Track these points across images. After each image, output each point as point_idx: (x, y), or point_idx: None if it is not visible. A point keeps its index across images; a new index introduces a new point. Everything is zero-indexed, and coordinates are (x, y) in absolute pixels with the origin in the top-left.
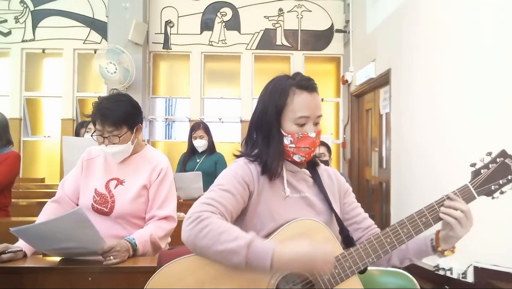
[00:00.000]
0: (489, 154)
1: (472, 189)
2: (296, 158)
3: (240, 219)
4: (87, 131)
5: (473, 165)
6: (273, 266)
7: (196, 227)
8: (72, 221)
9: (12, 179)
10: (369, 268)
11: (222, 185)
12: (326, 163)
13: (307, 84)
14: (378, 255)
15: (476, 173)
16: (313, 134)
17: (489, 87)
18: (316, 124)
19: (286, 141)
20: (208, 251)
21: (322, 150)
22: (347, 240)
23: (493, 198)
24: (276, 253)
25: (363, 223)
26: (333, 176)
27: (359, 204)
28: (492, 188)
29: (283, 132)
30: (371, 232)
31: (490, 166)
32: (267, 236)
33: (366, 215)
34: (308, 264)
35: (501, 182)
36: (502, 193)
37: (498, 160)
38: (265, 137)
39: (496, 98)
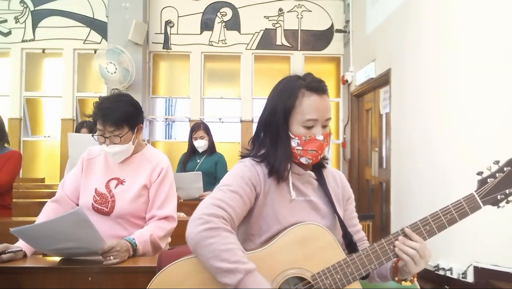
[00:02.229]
0: (497, 162)
1: (478, 198)
2: (303, 160)
3: (246, 220)
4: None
5: (479, 173)
6: None
7: (203, 233)
8: (72, 221)
9: (15, 178)
10: None
11: (230, 186)
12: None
13: (317, 86)
14: (380, 262)
15: (482, 182)
16: (320, 138)
17: (489, 86)
18: (324, 126)
19: (293, 143)
20: (204, 260)
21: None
22: (350, 245)
23: (498, 207)
24: None
25: (356, 235)
26: (338, 179)
27: (356, 215)
28: (498, 197)
29: (290, 134)
30: (360, 244)
31: (497, 175)
32: (271, 238)
33: (360, 227)
34: None
35: (507, 191)
36: (508, 202)
37: (505, 169)
38: (273, 139)
39: (497, 98)
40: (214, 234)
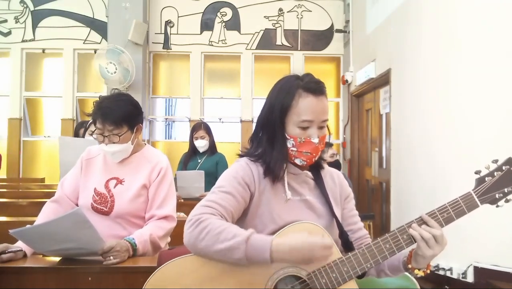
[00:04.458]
0: (495, 161)
1: (475, 197)
2: (298, 161)
3: (241, 220)
4: (89, 134)
5: (478, 172)
6: (273, 258)
7: (196, 229)
8: (71, 221)
9: None
10: None
11: (222, 187)
12: (339, 163)
13: (314, 87)
14: (376, 261)
15: (480, 181)
16: (316, 140)
17: (489, 86)
18: (321, 128)
19: (289, 144)
20: (208, 251)
21: (332, 150)
22: (346, 244)
23: (497, 206)
24: (274, 245)
25: (357, 233)
26: (336, 179)
27: (357, 212)
28: (497, 196)
29: (286, 135)
30: (362, 241)
31: (495, 173)
32: None
33: (362, 224)
34: (307, 252)
35: (506, 190)
36: (507, 201)
37: (504, 167)
38: (269, 138)
39: (497, 98)
40: (205, 224)
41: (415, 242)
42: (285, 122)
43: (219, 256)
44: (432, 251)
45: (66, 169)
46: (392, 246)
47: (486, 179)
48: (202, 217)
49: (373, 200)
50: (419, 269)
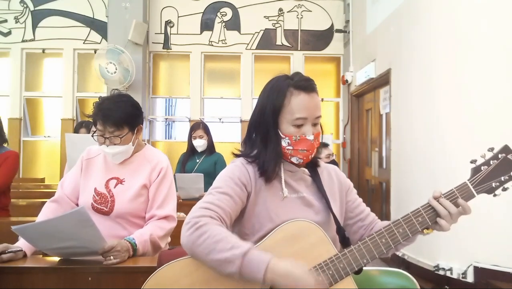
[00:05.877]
0: (491, 149)
1: (471, 187)
2: (294, 160)
3: (239, 219)
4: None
5: (473, 161)
6: (265, 279)
7: (194, 233)
8: (74, 220)
9: (13, 179)
10: (369, 268)
11: (219, 188)
12: (335, 163)
13: (305, 85)
14: (373, 256)
15: (476, 170)
16: (311, 137)
17: (489, 86)
18: (315, 125)
19: (284, 143)
20: (204, 258)
21: (328, 150)
22: (343, 240)
23: (494, 195)
24: (270, 267)
25: (367, 219)
26: (333, 174)
27: (361, 199)
28: (493, 185)
29: (280, 134)
30: (374, 226)
31: (491, 162)
32: (264, 236)
33: (368, 209)
34: (299, 284)
35: (502, 178)
36: (504, 189)
37: (500, 155)
38: (263, 139)
39: (496, 97)
40: (204, 230)
41: (421, 230)
42: (278, 122)
43: (213, 265)
44: (449, 225)
45: (73, 165)
46: (388, 240)
47: (482, 168)
48: (201, 220)
49: (373, 200)
50: (427, 228)
